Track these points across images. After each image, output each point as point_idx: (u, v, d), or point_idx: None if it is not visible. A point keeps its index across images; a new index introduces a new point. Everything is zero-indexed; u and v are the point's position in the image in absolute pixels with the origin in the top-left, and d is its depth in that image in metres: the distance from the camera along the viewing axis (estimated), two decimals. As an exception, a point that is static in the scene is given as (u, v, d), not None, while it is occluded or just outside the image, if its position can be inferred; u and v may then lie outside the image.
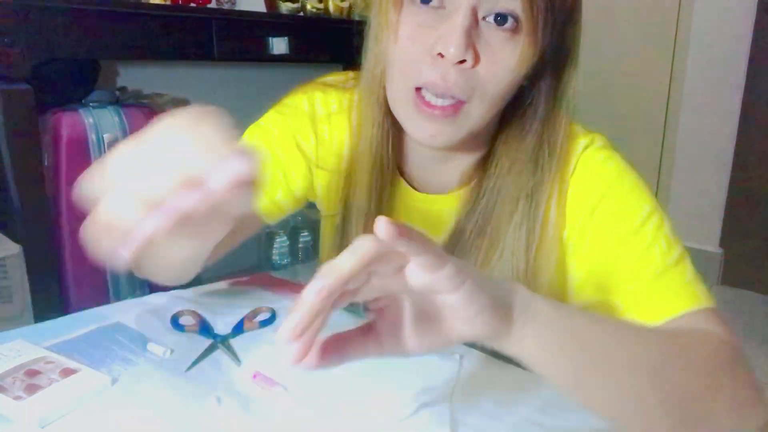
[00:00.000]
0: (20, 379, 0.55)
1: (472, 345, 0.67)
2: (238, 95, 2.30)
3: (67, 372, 0.56)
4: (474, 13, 0.51)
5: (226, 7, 2.04)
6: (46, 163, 1.58)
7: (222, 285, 0.83)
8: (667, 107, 2.39)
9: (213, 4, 1.97)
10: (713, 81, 2.24)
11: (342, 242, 0.67)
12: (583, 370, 0.43)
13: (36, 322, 1.47)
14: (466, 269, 0.36)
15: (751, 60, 2.15)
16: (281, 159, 0.72)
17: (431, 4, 0.52)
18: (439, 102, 0.54)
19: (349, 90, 0.71)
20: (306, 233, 2.37)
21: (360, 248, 0.33)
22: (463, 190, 0.64)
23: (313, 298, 0.33)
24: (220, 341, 0.65)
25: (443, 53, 0.51)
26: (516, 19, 0.51)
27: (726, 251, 2.31)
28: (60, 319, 0.71)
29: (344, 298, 0.36)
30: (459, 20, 0.50)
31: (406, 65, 0.54)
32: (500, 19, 0.51)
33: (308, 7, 2.10)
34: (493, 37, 0.52)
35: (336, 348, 0.39)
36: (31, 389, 0.53)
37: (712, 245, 2.34)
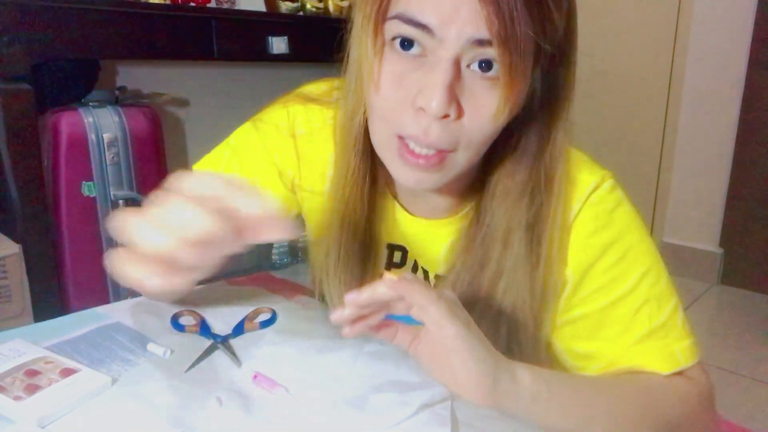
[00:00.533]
0: (20, 379, 0.55)
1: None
2: (238, 95, 2.30)
3: (67, 372, 0.56)
4: (457, 63, 0.48)
5: (226, 6, 2.04)
6: (46, 163, 1.58)
7: (222, 285, 0.83)
8: (667, 107, 2.39)
9: (213, 4, 1.97)
10: (713, 81, 2.24)
11: (341, 263, 0.65)
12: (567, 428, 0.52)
13: (36, 321, 1.47)
14: (464, 341, 0.45)
15: (751, 60, 2.15)
16: (257, 183, 0.69)
17: (412, 51, 0.50)
18: (424, 151, 0.52)
19: (332, 106, 0.68)
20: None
21: (376, 288, 0.46)
22: (459, 216, 0.63)
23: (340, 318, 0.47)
24: (221, 342, 0.65)
25: (425, 108, 0.48)
26: (499, 69, 0.49)
27: (726, 251, 2.31)
28: (60, 318, 0.71)
29: (380, 311, 0.49)
30: (440, 75, 0.47)
31: (388, 113, 0.52)
32: (485, 65, 0.49)
33: (308, 6, 2.10)
34: (477, 86, 0.49)
35: (388, 331, 0.50)
36: (31, 389, 0.53)
37: (712, 245, 2.34)
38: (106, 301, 1.70)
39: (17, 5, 1.37)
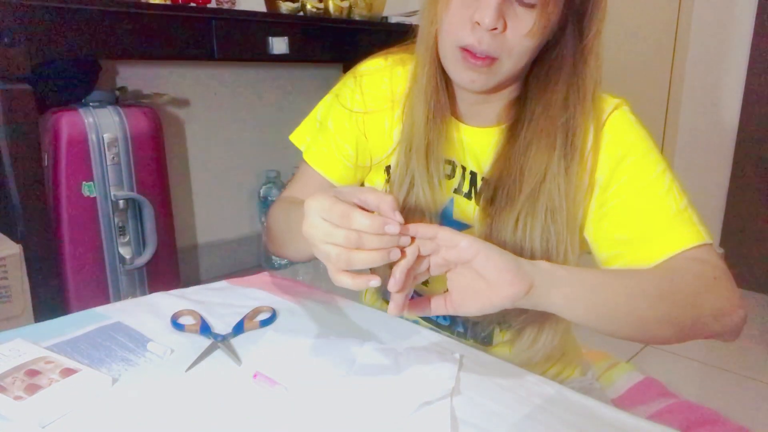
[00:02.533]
0: (20, 379, 0.55)
1: (472, 345, 0.67)
2: (238, 95, 2.30)
3: (68, 372, 0.56)
4: None
5: (226, 7, 2.04)
6: (46, 163, 1.58)
7: (222, 284, 0.83)
8: (667, 107, 2.39)
9: (213, 4, 1.97)
10: (713, 81, 2.24)
11: (406, 172, 0.76)
12: (596, 310, 0.59)
13: (36, 322, 1.47)
14: (477, 243, 0.53)
15: (751, 60, 2.15)
16: (335, 139, 0.83)
17: None
18: (478, 56, 0.66)
19: (399, 52, 0.83)
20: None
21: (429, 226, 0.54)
22: (503, 125, 0.74)
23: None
24: (221, 341, 0.65)
25: (480, 22, 0.64)
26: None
27: (726, 251, 2.31)
28: (60, 318, 0.71)
29: (422, 275, 0.57)
30: None
31: (453, 27, 0.67)
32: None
33: (308, 7, 2.10)
34: (519, 10, 0.64)
35: (418, 304, 0.58)
36: (32, 389, 0.53)
37: (712, 245, 2.34)
38: (106, 301, 1.70)
39: (17, 5, 1.37)
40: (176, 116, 2.15)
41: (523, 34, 0.65)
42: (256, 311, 0.72)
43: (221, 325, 0.69)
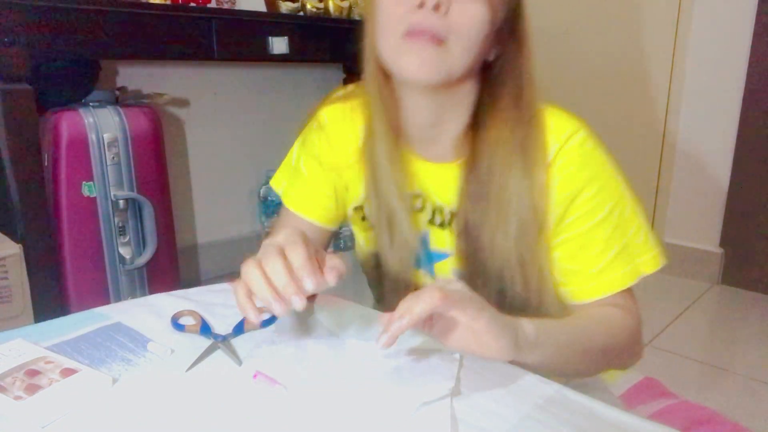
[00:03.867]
0: (20, 379, 0.55)
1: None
2: (238, 95, 2.30)
3: (68, 372, 0.56)
4: None
5: (226, 7, 2.04)
6: (46, 163, 1.58)
7: (223, 286, 0.83)
8: (667, 107, 2.39)
9: (213, 4, 1.97)
10: (713, 81, 2.24)
11: (380, 211, 0.78)
12: (559, 363, 0.65)
13: (36, 322, 1.47)
14: (484, 309, 0.56)
15: (751, 60, 2.15)
16: (311, 181, 0.86)
17: None
18: (428, 31, 0.66)
19: (354, 95, 0.83)
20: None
21: (425, 302, 0.53)
22: (461, 160, 0.75)
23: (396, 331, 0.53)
24: (221, 341, 0.65)
25: (424, 1, 0.64)
26: None
27: (726, 251, 2.31)
28: (60, 319, 0.71)
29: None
30: None
31: (392, 18, 0.67)
32: None
33: (308, 7, 2.10)
34: None
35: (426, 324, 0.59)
36: (32, 389, 0.53)
37: (712, 245, 2.34)
38: (106, 301, 1.71)
39: (17, 5, 1.37)
40: (176, 116, 2.15)
41: (470, 16, 0.65)
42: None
43: (221, 326, 0.69)
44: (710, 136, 2.29)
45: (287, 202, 0.88)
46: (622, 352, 0.74)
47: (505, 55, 0.72)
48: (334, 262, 0.58)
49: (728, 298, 2.21)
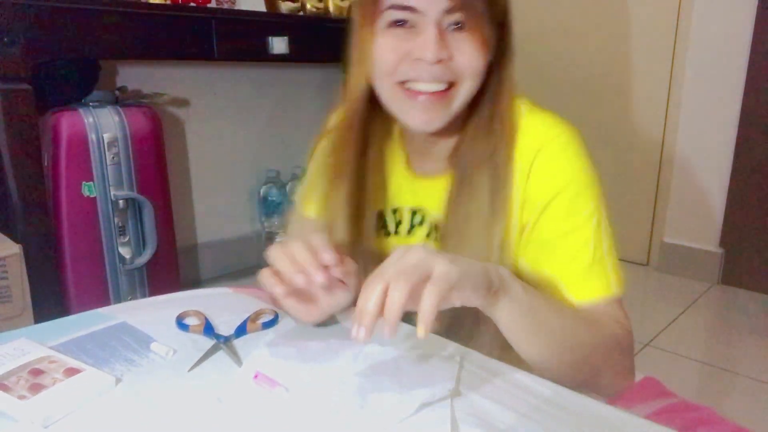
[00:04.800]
0: (24, 379, 0.55)
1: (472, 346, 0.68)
2: (238, 95, 2.30)
3: (71, 371, 0.56)
4: (439, 26, 0.66)
5: (226, 6, 2.04)
6: (46, 163, 1.58)
7: (226, 290, 0.83)
8: (667, 107, 2.40)
9: (213, 4, 1.97)
10: (713, 81, 2.25)
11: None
12: (530, 334, 0.62)
13: (36, 321, 1.47)
14: (456, 264, 0.52)
15: (751, 60, 2.15)
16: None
17: (404, 26, 0.67)
18: (433, 88, 0.68)
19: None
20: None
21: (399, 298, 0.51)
22: (447, 175, 0.77)
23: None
24: (223, 342, 0.65)
25: (422, 58, 0.66)
26: (466, 24, 0.67)
27: (726, 251, 2.32)
28: (65, 318, 0.71)
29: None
30: (430, 33, 0.65)
31: (390, 67, 0.68)
32: (458, 25, 0.67)
33: (308, 6, 2.10)
34: (457, 38, 0.67)
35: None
36: (35, 388, 0.53)
37: (712, 245, 2.35)
38: (106, 301, 1.71)
39: (17, 5, 1.37)
40: (176, 116, 2.15)
41: (470, 54, 0.67)
42: (259, 313, 0.72)
43: (224, 327, 0.69)
44: (710, 136, 2.29)
45: (310, 212, 0.86)
46: (607, 357, 0.68)
47: (491, 71, 0.73)
48: (347, 259, 0.63)
49: (728, 298, 2.22)
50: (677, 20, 2.31)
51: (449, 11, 0.66)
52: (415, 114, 0.70)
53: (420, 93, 0.68)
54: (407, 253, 0.53)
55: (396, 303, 0.49)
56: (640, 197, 2.50)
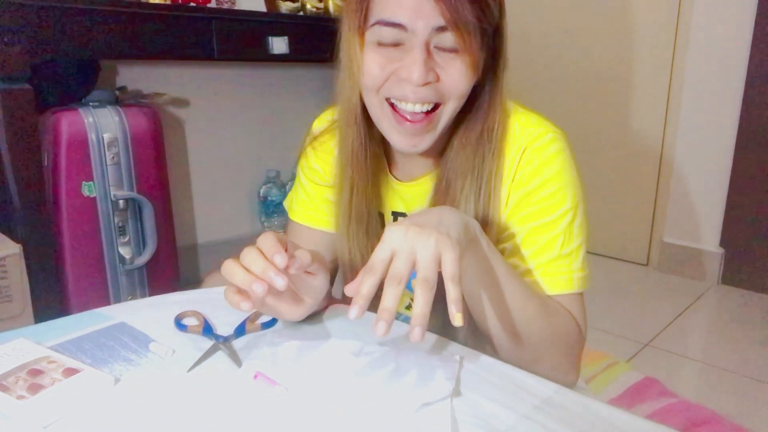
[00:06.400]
0: (23, 379, 0.55)
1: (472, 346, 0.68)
2: (238, 95, 2.30)
3: (70, 372, 0.56)
4: (427, 45, 0.65)
5: (226, 6, 2.04)
6: (46, 163, 1.58)
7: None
8: (667, 107, 2.40)
9: (213, 4, 1.97)
10: (713, 81, 2.25)
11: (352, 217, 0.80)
12: (487, 292, 0.65)
13: (36, 321, 1.47)
14: (449, 236, 0.54)
15: (751, 60, 2.15)
16: (311, 190, 0.87)
17: (391, 44, 0.66)
18: (417, 108, 0.68)
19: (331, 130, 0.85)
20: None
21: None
22: (429, 175, 0.79)
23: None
24: (222, 342, 0.65)
25: (408, 79, 0.65)
26: (457, 45, 0.65)
27: (726, 251, 2.32)
28: (63, 318, 0.71)
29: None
30: (417, 54, 0.65)
31: (378, 83, 0.68)
32: (447, 44, 0.65)
33: (308, 6, 2.10)
34: (445, 58, 0.66)
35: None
36: (34, 389, 0.53)
37: (712, 245, 2.35)
38: (106, 301, 1.71)
39: (17, 5, 1.37)
40: (176, 116, 2.15)
41: (457, 77, 0.67)
42: (258, 313, 0.72)
43: (223, 327, 0.69)
44: (710, 136, 2.29)
45: (293, 216, 0.88)
46: (551, 345, 0.70)
47: (484, 82, 0.73)
48: (300, 253, 0.60)
49: (728, 298, 2.22)
50: (677, 21, 2.31)
51: (440, 30, 0.64)
52: (401, 138, 0.70)
53: (406, 119, 0.68)
54: (412, 239, 0.54)
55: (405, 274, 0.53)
56: (640, 197, 2.50)
